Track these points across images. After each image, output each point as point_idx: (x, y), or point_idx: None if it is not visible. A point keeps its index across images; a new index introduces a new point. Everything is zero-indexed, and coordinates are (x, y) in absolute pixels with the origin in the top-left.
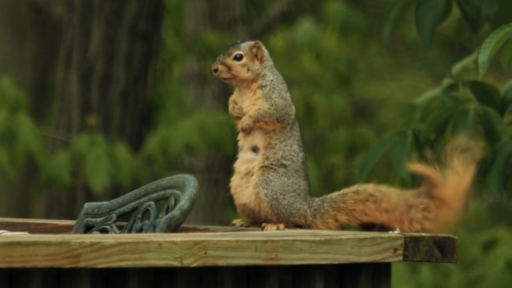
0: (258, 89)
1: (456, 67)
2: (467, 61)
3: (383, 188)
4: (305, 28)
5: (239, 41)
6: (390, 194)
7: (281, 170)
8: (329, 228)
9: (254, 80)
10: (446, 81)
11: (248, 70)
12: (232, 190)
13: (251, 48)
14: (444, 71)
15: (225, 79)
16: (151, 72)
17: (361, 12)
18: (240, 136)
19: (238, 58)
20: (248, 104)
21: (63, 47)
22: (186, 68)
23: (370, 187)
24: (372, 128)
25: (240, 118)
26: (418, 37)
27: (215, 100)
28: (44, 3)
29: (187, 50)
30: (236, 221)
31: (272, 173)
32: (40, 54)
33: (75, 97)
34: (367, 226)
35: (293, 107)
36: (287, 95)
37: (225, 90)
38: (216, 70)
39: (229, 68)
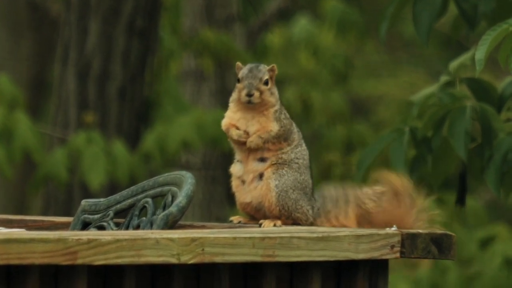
0: (272, 114)
1: (453, 64)
2: (464, 58)
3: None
4: (302, 25)
5: (254, 64)
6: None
7: (295, 165)
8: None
9: (273, 105)
10: (443, 78)
11: (271, 94)
12: (233, 189)
13: (268, 71)
14: (441, 68)
15: (251, 103)
16: (148, 69)
17: (358, 9)
18: (240, 153)
19: (266, 83)
20: (258, 127)
21: (60, 44)
22: (183, 65)
23: (350, 201)
24: (369, 125)
25: (244, 142)
26: (415, 34)
27: (212, 97)
28: (41, 0)
29: (184, 47)
30: (234, 218)
31: (286, 168)
32: (37, 51)
33: (72, 94)
34: None
35: (294, 124)
36: (287, 114)
37: (222, 88)
38: (252, 95)
39: (261, 93)
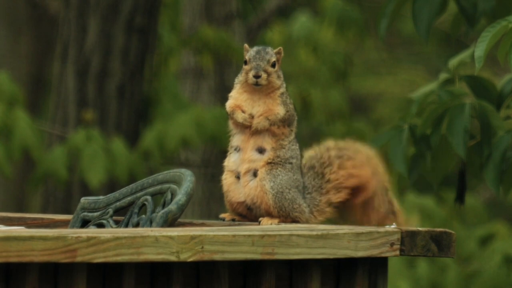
0: (279, 96)
1: (453, 62)
2: (463, 55)
3: (339, 143)
4: (301, 22)
5: (261, 46)
6: (348, 147)
7: (288, 166)
8: (327, 218)
9: (279, 88)
10: (443, 76)
11: (278, 77)
12: (225, 188)
13: (275, 54)
14: (440, 66)
15: (258, 85)
16: (147, 67)
17: (357, 6)
18: (239, 137)
19: (273, 65)
20: (265, 108)
21: (59, 42)
22: (182, 63)
23: (331, 152)
24: (368, 123)
25: (248, 126)
26: (415, 31)
27: (211, 95)
28: None
29: (183, 45)
30: (225, 215)
31: (280, 168)
32: (36, 49)
33: (71, 92)
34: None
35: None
36: (290, 98)
37: (221, 85)
38: (259, 77)
39: (268, 75)
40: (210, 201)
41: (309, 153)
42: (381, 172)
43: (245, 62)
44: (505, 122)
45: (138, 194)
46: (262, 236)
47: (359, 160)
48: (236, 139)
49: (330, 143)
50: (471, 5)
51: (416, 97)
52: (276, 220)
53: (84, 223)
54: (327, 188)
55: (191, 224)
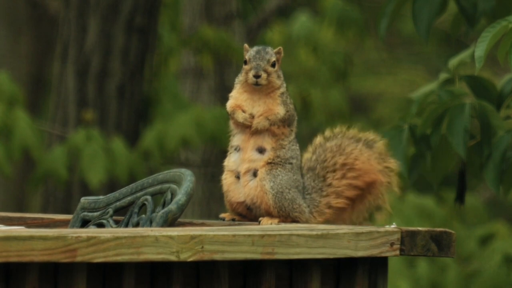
0: (279, 96)
1: (453, 62)
2: (463, 55)
3: (342, 145)
4: (301, 22)
5: (261, 46)
6: (354, 151)
7: (288, 166)
8: (327, 219)
9: (279, 87)
10: (443, 76)
11: (278, 76)
12: (225, 188)
13: (275, 54)
14: (440, 66)
15: (258, 85)
16: (147, 66)
17: (357, 6)
18: (240, 137)
19: (273, 65)
20: (265, 108)
21: (59, 42)
22: (182, 62)
23: (338, 159)
24: (368, 123)
25: (248, 126)
26: (415, 31)
27: (211, 95)
28: None
29: (183, 45)
30: (225, 215)
31: (280, 169)
32: (36, 49)
33: (71, 92)
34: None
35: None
36: (291, 98)
37: (221, 85)
38: (259, 77)
39: (268, 75)
40: (210, 201)
41: (306, 156)
42: (381, 167)
43: (245, 62)
44: (505, 122)
45: (138, 194)
46: (262, 236)
47: (358, 167)
48: (236, 139)
49: (319, 139)
50: (471, 5)
51: (416, 97)
52: (276, 220)
53: (84, 223)
54: (328, 192)
55: (191, 224)
